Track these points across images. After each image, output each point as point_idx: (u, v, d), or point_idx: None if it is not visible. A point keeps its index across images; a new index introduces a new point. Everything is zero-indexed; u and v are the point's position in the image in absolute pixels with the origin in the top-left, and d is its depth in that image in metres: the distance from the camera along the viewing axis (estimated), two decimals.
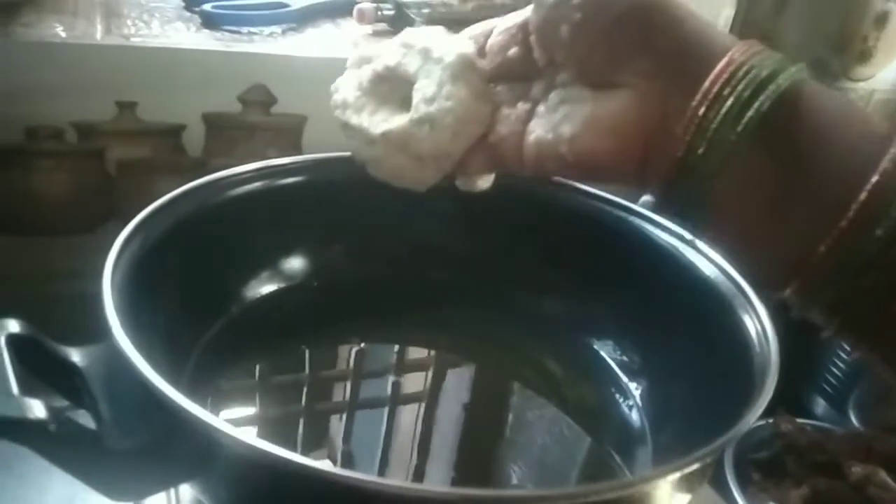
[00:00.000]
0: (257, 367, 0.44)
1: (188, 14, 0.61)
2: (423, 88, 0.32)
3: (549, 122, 0.28)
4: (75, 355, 0.32)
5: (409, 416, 0.44)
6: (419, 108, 0.32)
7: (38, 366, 0.31)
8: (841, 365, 0.73)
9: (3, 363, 0.28)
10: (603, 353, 0.44)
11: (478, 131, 0.32)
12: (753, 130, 0.23)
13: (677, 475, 0.27)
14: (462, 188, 0.35)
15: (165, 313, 0.38)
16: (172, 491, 0.40)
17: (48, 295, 0.54)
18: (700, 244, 0.39)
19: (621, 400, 0.42)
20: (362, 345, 0.46)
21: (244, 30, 0.60)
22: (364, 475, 0.25)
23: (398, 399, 0.44)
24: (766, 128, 0.23)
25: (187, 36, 0.57)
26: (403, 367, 0.46)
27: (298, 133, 0.58)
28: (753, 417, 0.29)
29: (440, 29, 0.34)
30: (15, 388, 0.28)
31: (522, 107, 0.30)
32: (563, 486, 0.31)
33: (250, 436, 0.26)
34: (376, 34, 0.65)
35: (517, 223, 0.46)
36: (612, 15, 0.26)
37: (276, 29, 0.61)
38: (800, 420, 0.64)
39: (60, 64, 0.51)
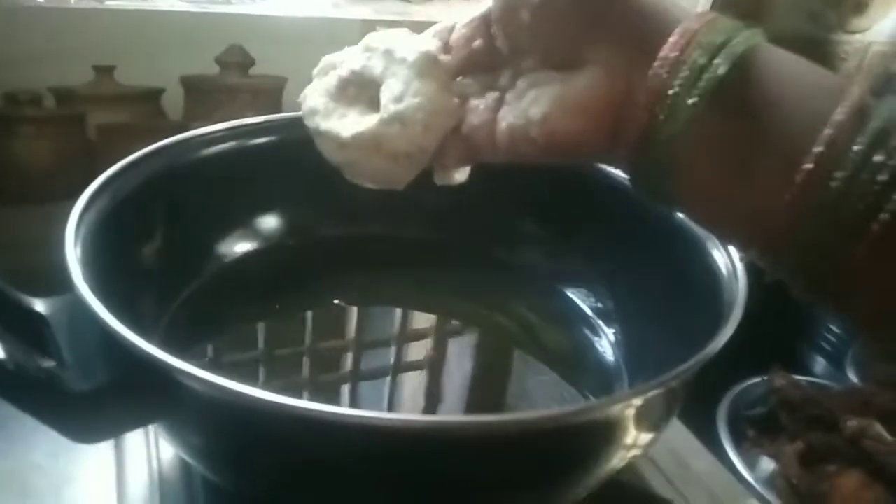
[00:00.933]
0: (233, 330, 0.43)
1: None
2: (391, 88, 0.33)
3: (518, 108, 0.28)
4: (39, 305, 0.32)
5: (387, 365, 0.43)
6: (388, 107, 0.32)
7: (1, 314, 0.31)
8: (839, 322, 0.72)
9: None
10: (577, 300, 0.44)
11: (449, 123, 0.32)
12: (711, 95, 0.24)
13: (639, 401, 0.27)
14: (440, 183, 0.35)
15: (133, 273, 0.38)
16: (154, 447, 0.40)
17: (28, 262, 0.54)
18: None
19: (598, 345, 0.41)
20: (337, 302, 0.46)
21: None
22: (330, 406, 0.25)
23: (400, 364, 0.44)
24: (724, 92, 0.24)
25: None
26: (384, 325, 0.46)
27: (278, 95, 0.58)
28: (718, 345, 0.28)
29: (404, 31, 0.34)
30: None
31: (491, 96, 0.30)
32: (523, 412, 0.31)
33: (206, 372, 0.26)
34: None
35: (488, 175, 0.46)
36: None
37: None
38: (797, 377, 0.63)
39: (36, 28, 0.51)
